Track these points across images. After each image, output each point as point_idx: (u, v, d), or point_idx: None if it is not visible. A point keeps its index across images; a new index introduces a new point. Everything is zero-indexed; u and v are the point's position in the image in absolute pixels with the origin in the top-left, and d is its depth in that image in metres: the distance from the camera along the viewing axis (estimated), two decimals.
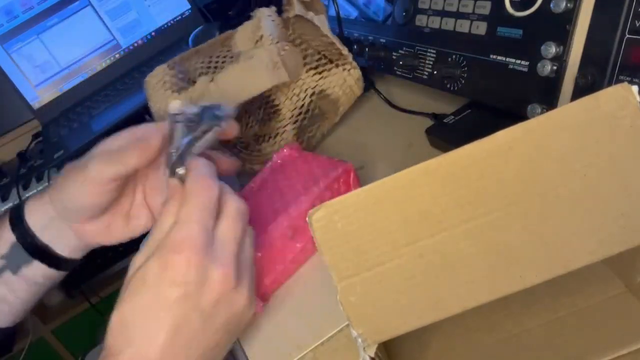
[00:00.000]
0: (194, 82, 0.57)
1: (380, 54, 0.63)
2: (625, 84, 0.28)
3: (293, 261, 0.47)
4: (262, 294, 0.44)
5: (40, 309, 1.39)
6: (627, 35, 0.37)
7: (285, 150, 0.54)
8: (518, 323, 0.38)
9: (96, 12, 1.08)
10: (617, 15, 0.37)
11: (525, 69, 0.44)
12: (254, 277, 0.38)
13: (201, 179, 0.37)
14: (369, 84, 0.68)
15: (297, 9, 0.60)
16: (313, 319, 0.43)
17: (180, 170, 0.38)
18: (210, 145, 0.40)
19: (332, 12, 0.67)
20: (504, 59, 0.46)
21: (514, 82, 0.46)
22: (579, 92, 0.40)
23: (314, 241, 0.30)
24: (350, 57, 0.60)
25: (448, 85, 0.54)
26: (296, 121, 0.62)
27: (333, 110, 0.63)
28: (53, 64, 1.07)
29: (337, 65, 0.61)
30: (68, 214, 0.43)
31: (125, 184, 0.43)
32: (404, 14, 0.60)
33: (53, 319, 1.40)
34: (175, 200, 0.36)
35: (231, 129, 0.42)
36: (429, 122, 0.58)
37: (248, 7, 1.01)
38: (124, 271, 0.35)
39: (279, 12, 0.63)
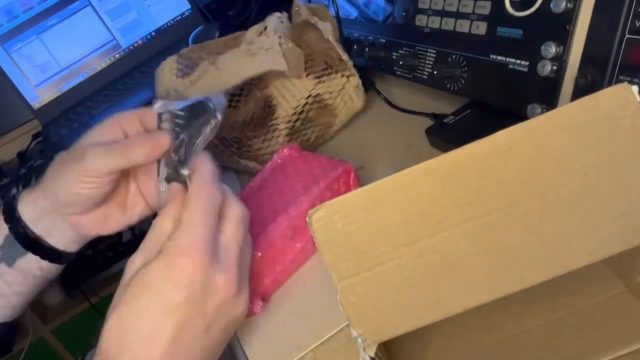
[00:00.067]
0: None
1: (380, 54, 0.63)
2: (625, 84, 0.28)
3: (293, 261, 0.47)
4: (262, 294, 0.44)
5: (40, 309, 1.39)
6: (627, 35, 0.37)
7: (285, 150, 0.54)
8: (518, 323, 0.38)
9: (96, 12, 1.08)
10: (617, 15, 0.37)
11: (525, 69, 0.44)
12: (248, 282, 0.38)
13: (206, 182, 0.36)
14: (369, 84, 0.68)
15: (303, 13, 0.60)
16: (313, 319, 0.43)
17: (184, 172, 0.37)
18: (208, 140, 0.39)
19: (332, 12, 0.67)
20: (504, 59, 0.46)
21: (514, 82, 0.46)
22: (579, 92, 0.40)
23: (314, 241, 0.30)
24: (350, 64, 0.61)
25: (448, 85, 0.54)
26: (289, 121, 0.63)
27: (329, 118, 0.63)
28: (53, 64, 1.07)
29: (336, 72, 0.61)
30: (62, 206, 0.42)
31: (122, 174, 0.43)
32: (404, 14, 0.60)
33: (53, 319, 1.40)
34: (175, 204, 0.36)
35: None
36: (429, 122, 0.58)
37: (248, 7, 1.01)
38: (123, 271, 0.35)
39: (290, 19, 0.64)
